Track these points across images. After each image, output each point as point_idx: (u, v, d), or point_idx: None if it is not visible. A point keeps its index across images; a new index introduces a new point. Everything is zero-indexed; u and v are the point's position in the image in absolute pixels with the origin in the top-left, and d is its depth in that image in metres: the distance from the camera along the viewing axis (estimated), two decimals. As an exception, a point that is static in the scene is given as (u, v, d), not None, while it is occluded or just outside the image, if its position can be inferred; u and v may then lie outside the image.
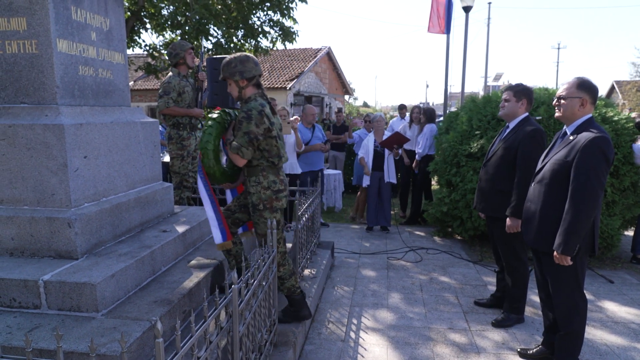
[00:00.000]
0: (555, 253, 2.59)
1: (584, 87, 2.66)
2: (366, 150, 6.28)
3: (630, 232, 5.49)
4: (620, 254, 5.36)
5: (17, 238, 2.77)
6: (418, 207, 6.98)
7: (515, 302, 3.56)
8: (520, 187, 3.21)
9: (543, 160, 2.84)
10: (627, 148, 4.80)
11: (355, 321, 3.66)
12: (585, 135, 2.56)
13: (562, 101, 2.71)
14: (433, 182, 7.41)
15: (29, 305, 2.47)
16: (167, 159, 5.02)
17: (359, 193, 7.05)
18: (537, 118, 4.38)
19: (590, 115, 2.68)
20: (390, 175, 6.26)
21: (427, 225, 6.81)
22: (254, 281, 2.36)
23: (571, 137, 2.65)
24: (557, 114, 2.78)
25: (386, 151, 6.18)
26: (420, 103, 47.12)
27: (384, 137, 6.24)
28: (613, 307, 3.93)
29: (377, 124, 6.39)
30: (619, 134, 4.82)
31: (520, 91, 3.40)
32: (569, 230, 2.52)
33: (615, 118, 4.91)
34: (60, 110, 2.82)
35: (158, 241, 3.09)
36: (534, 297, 3.89)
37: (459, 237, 6.06)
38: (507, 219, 3.29)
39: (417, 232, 6.47)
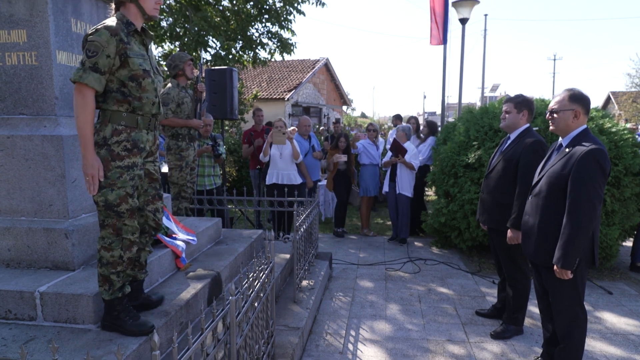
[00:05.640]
0: (555, 267, 2.58)
1: (576, 98, 2.66)
2: (386, 158, 6.44)
3: (628, 243, 5.50)
4: (618, 264, 5.35)
5: (14, 249, 2.76)
6: (416, 218, 6.98)
7: (514, 313, 3.54)
8: (521, 199, 3.20)
9: (539, 173, 2.84)
10: (628, 159, 4.82)
11: (353, 333, 3.64)
12: (581, 148, 2.55)
13: (555, 115, 2.70)
14: (431, 193, 7.43)
15: (24, 317, 2.45)
16: (165, 169, 5.02)
17: (360, 205, 7.05)
18: (535, 129, 4.41)
19: (585, 126, 2.68)
20: (402, 187, 6.21)
21: (425, 235, 6.81)
22: (252, 292, 2.35)
23: (567, 150, 2.65)
24: (551, 128, 2.77)
25: (397, 164, 6.21)
26: (426, 113, 47.31)
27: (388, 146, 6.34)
28: (612, 319, 3.92)
29: (398, 133, 6.42)
30: (619, 145, 4.84)
31: (521, 102, 3.40)
32: (567, 244, 2.51)
33: (613, 129, 4.93)
34: (59, 121, 2.83)
35: (155, 252, 3.07)
36: (533, 308, 3.88)
37: (457, 248, 6.05)
38: (508, 231, 3.28)
39: (416, 243, 6.46)
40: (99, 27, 2.20)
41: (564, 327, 2.73)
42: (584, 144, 2.57)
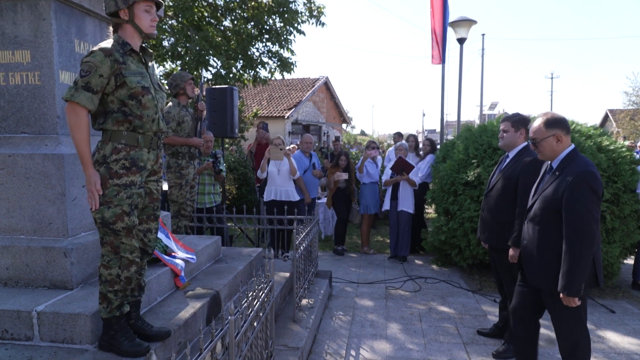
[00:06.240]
0: (561, 295, 2.54)
1: (551, 123, 2.65)
2: (387, 177, 6.43)
3: (629, 261, 5.47)
4: (620, 282, 5.31)
5: (12, 268, 2.75)
6: (415, 236, 6.96)
7: (516, 332, 3.50)
8: (521, 217, 3.17)
9: (533, 195, 2.81)
10: (626, 176, 4.82)
11: (353, 353, 3.59)
12: (571, 171, 2.53)
13: (538, 144, 2.70)
14: (430, 210, 7.41)
15: (21, 337, 2.43)
16: (165, 187, 5.03)
17: (361, 223, 7.04)
18: (533, 147, 4.43)
19: (572, 147, 2.65)
20: (404, 203, 6.22)
21: (425, 253, 6.77)
22: (251, 312, 2.34)
23: (557, 172, 2.63)
24: (539, 156, 2.77)
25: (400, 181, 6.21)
26: (426, 131, 47.65)
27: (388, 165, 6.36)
28: (615, 338, 3.87)
29: (397, 152, 6.45)
30: (617, 163, 4.85)
31: (518, 121, 3.43)
32: (570, 271, 2.47)
33: (612, 147, 4.95)
34: (60, 140, 2.85)
35: (154, 271, 3.06)
36: (534, 327, 3.84)
37: (457, 266, 6.02)
38: (510, 249, 3.27)
39: (416, 261, 6.42)
40: (94, 49, 2.25)
41: (568, 351, 2.69)
42: (573, 166, 2.55)
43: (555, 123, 2.64)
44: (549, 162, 2.76)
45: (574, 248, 2.47)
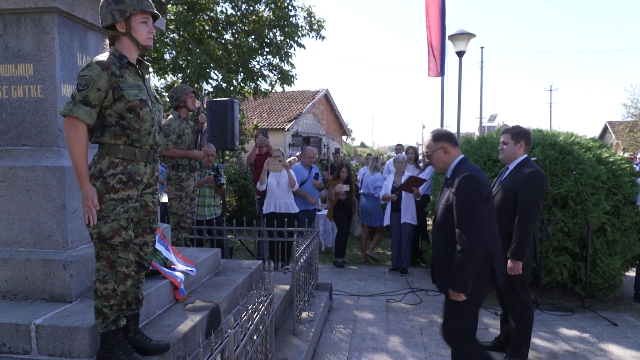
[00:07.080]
0: (449, 290, 2.65)
1: (438, 137, 2.82)
2: (386, 191, 6.40)
3: (631, 273, 5.45)
4: (622, 295, 5.28)
5: (11, 280, 2.74)
6: (416, 247, 6.94)
7: (518, 345, 3.47)
8: (520, 229, 3.23)
9: (436, 206, 2.95)
10: (627, 188, 4.82)
11: (354, 366, 3.56)
12: (456, 177, 2.68)
13: (430, 158, 2.86)
14: (431, 222, 7.37)
15: (18, 350, 2.41)
16: (165, 199, 5.03)
17: (361, 232, 7.09)
18: (533, 159, 4.44)
19: (461, 157, 2.80)
20: (406, 215, 6.23)
21: (426, 266, 6.75)
22: (251, 325, 2.32)
23: (450, 182, 2.77)
24: (435, 169, 2.96)
25: (403, 192, 6.22)
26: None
27: (389, 180, 6.39)
28: (618, 351, 3.84)
29: (399, 165, 6.46)
30: (617, 175, 4.86)
31: (518, 133, 3.47)
32: (457, 269, 2.59)
33: (611, 159, 4.96)
34: (61, 152, 2.87)
35: (154, 283, 3.05)
36: (536, 340, 3.81)
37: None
38: (509, 261, 3.27)
39: (416, 273, 6.39)
40: (90, 62, 2.24)
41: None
42: (459, 173, 2.70)
43: (441, 137, 2.83)
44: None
45: (461, 247, 2.58)
